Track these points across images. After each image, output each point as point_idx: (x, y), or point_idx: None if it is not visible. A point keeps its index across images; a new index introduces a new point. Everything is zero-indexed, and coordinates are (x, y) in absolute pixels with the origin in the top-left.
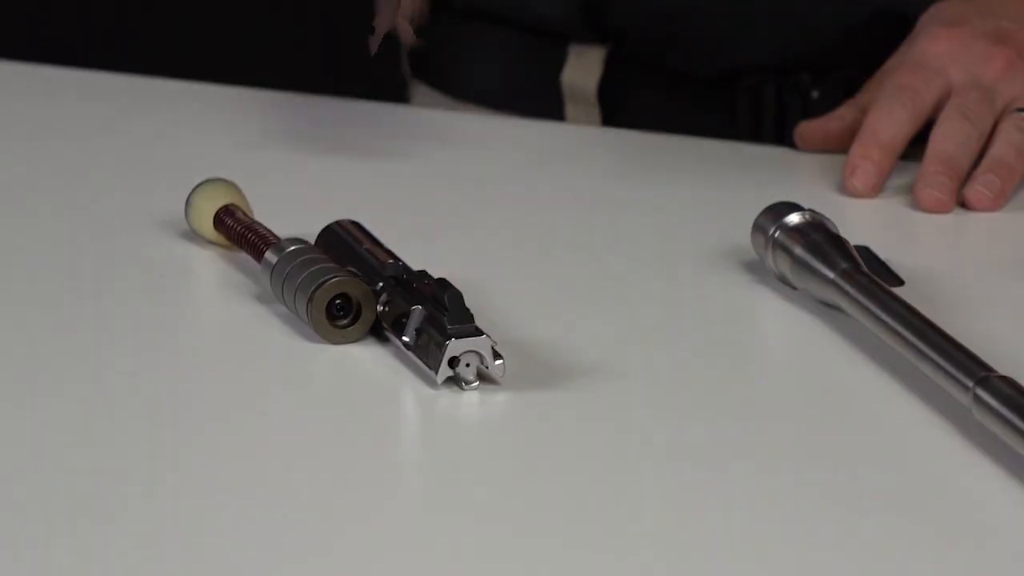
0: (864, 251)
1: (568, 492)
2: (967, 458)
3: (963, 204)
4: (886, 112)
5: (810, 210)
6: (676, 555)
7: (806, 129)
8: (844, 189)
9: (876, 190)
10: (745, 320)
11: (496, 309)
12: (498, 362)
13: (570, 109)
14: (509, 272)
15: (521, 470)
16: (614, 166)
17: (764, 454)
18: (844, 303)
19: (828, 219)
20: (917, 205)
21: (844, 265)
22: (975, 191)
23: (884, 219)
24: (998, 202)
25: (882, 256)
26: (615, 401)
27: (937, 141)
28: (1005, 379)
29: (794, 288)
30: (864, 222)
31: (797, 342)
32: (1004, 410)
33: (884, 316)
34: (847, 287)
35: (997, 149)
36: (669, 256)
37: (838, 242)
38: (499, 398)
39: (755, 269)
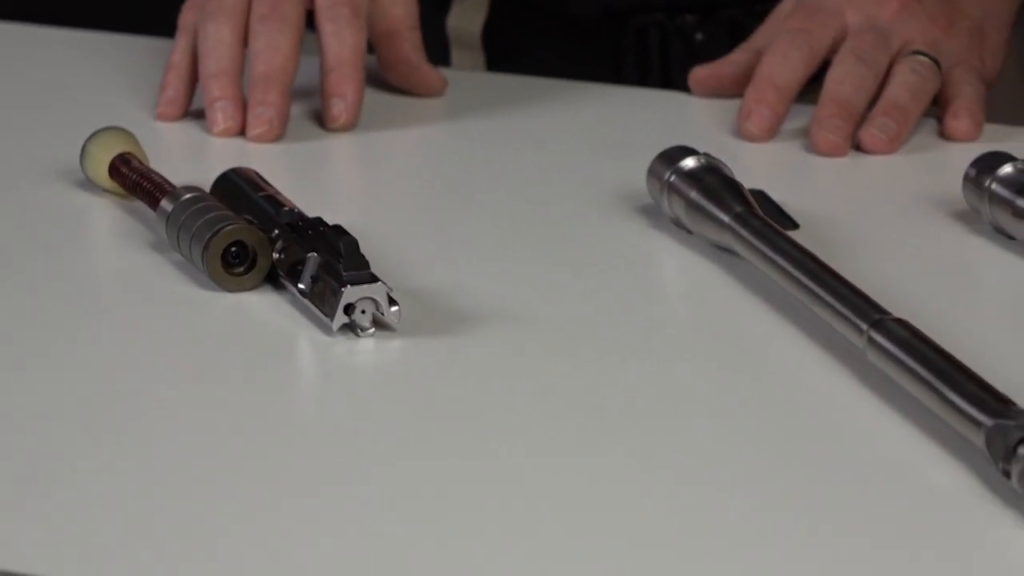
0: (759, 195)
1: (463, 438)
2: (861, 399)
3: (858, 147)
4: (781, 55)
5: (705, 154)
6: (570, 500)
7: (700, 74)
8: (739, 133)
9: (771, 134)
10: (641, 265)
11: (392, 256)
12: (393, 308)
13: (456, 54)
14: (404, 219)
15: (416, 416)
16: (503, 112)
17: (661, 398)
18: (739, 247)
19: (723, 163)
20: (812, 148)
21: (738, 209)
22: (870, 134)
23: (779, 162)
24: (893, 145)
25: (777, 199)
26: (510, 347)
27: (832, 84)
28: (899, 321)
29: (689, 232)
30: (759, 166)
31: (693, 286)
32: (898, 352)
33: (779, 259)
34: (742, 231)
35: (892, 91)
36: (564, 202)
37: (733, 186)
38: (394, 345)
39: (651, 214)
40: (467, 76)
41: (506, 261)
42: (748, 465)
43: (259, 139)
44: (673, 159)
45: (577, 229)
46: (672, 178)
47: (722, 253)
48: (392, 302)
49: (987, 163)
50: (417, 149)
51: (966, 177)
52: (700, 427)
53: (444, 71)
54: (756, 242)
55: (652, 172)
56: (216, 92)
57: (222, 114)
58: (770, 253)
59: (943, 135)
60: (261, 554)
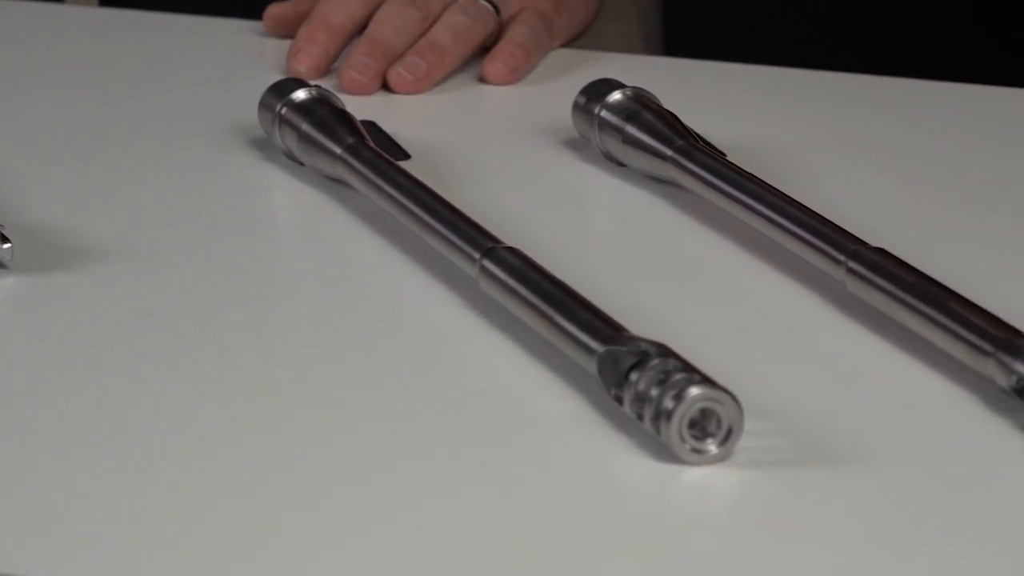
0: (370, 126)
1: (86, 373)
2: (474, 328)
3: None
4: None
5: (316, 86)
6: (190, 432)
7: (274, 11)
8: (288, 70)
9: (321, 72)
10: (253, 197)
11: (2, 192)
12: (6, 245)
13: None
14: (23, 154)
15: (34, 354)
16: (115, 48)
17: (274, 331)
18: (351, 178)
19: (334, 94)
20: (339, 86)
21: (350, 140)
22: (396, 73)
23: (391, 94)
24: (421, 85)
25: (389, 131)
26: (126, 284)
27: (373, 23)
28: (511, 250)
29: (302, 164)
30: (371, 98)
31: (305, 219)
32: (510, 280)
33: (390, 190)
34: (353, 162)
35: (434, 32)
36: (176, 136)
37: (344, 117)
38: (7, 282)
39: (262, 147)
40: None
41: (118, 196)
42: (361, 396)
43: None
44: (284, 91)
45: (189, 162)
46: (283, 110)
47: (335, 184)
48: (4, 239)
49: (596, 91)
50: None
51: (575, 105)
52: (310, 358)
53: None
54: (367, 173)
55: (264, 105)
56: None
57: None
58: (381, 184)
59: (479, 77)
60: None
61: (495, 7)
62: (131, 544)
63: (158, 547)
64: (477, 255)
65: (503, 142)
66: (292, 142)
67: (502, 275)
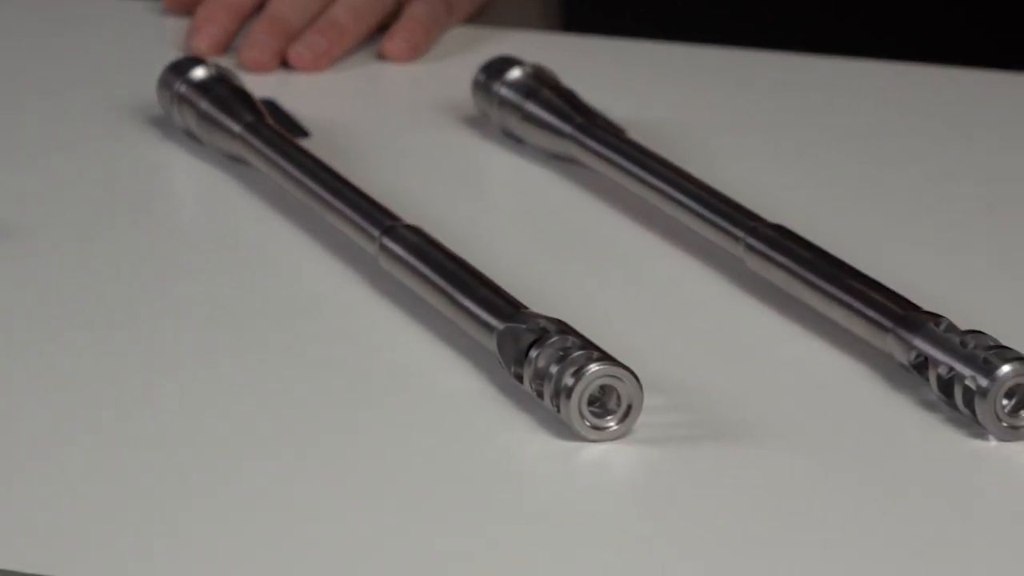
0: (270, 104)
1: None
2: (375, 306)
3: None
4: None
5: (215, 64)
6: (73, 410)
7: None
8: (187, 49)
9: (220, 50)
10: (153, 177)
11: None
12: None
13: None
14: None
15: None
16: (13, 27)
17: (169, 307)
18: (250, 156)
19: (233, 73)
20: (238, 64)
21: (249, 118)
22: (295, 51)
23: (289, 72)
24: (320, 63)
25: (288, 109)
26: (23, 263)
27: (272, 1)
28: (411, 228)
29: (201, 143)
30: (270, 76)
31: (205, 196)
32: (410, 258)
33: (290, 168)
34: (252, 140)
35: (333, 10)
36: (75, 116)
37: (243, 95)
38: None
39: (162, 125)
40: None
41: (14, 173)
42: (260, 374)
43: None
44: (183, 70)
45: (89, 141)
46: (182, 89)
47: (234, 163)
48: None
49: (495, 68)
50: None
51: (475, 83)
52: (209, 337)
53: None
54: (266, 151)
55: (163, 83)
56: None
57: None
58: (280, 162)
59: (378, 54)
60: None
61: None
62: None
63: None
64: (377, 233)
65: (402, 120)
66: (191, 121)
67: (402, 253)
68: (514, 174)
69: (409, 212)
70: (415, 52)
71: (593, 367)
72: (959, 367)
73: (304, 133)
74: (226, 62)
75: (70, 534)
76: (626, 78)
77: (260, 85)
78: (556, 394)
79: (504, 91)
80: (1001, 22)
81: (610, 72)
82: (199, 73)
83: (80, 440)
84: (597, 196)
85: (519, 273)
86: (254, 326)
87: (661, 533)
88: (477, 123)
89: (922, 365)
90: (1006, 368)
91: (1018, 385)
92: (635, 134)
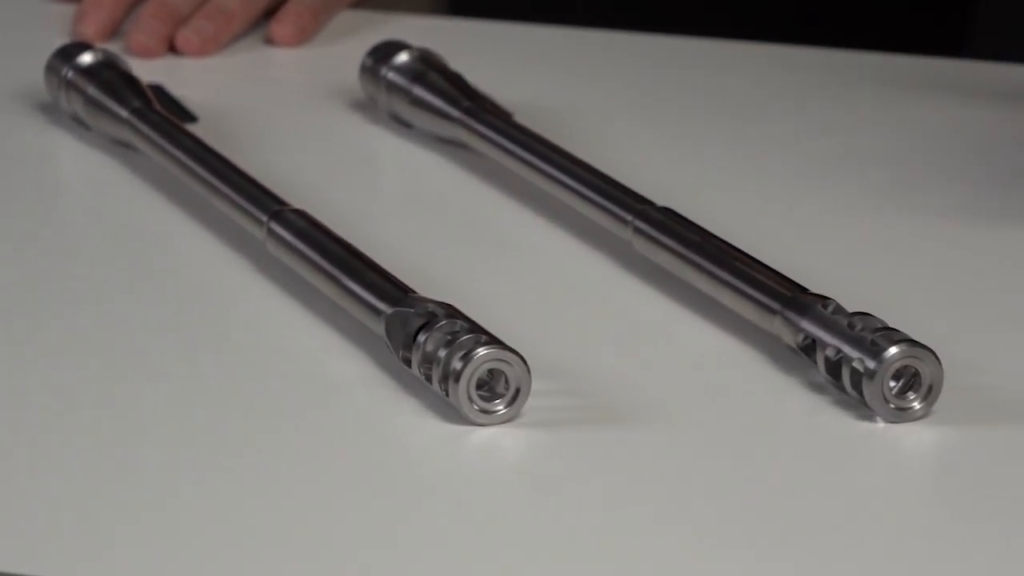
0: (157, 89)
1: None
2: (263, 292)
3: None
4: None
5: (103, 49)
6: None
7: None
8: (74, 35)
9: (107, 35)
10: (39, 162)
11: None
12: None
13: None
14: None
15: None
16: None
17: (62, 298)
18: (138, 141)
19: (121, 58)
20: (126, 49)
21: (136, 103)
22: (183, 36)
23: (177, 57)
24: (207, 48)
25: (176, 94)
26: None
27: None
28: (298, 212)
29: (89, 128)
30: (158, 61)
31: (94, 183)
32: (297, 242)
33: (177, 153)
34: (139, 125)
35: None
36: None
37: (130, 80)
38: None
39: (49, 111)
40: None
41: None
42: (148, 359)
43: None
44: (70, 55)
45: None
46: (69, 74)
47: (123, 148)
48: None
49: (383, 52)
50: None
51: (362, 67)
52: (97, 322)
53: None
54: (154, 136)
55: (50, 69)
56: None
57: None
58: (168, 147)
59: (266, 39)
60: None
61: None
62: None
63: None
64: (264, 218)
65: (291, 104)
66: (79, 106)
67: (289, 238)
68: (402, 158)
69: (297, 197)
70: (303, 36)
71: (481, 351)
72: (847, 349)
73: (192, 118)
74: (114, 47)
75: None
76: (513, 62)
77: (148, 70)
78: (444, 378)
79: (391, 75)
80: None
81: (497, 56)
82: (87, 59)
83: None
84: (485, 180)
85: (407, 257)
86: (141, 312)
87: (549, 516)
88: (365, 107)
89: (810, 347)
90: (893, 350)
91: (905, 367)
92: (523, 118)
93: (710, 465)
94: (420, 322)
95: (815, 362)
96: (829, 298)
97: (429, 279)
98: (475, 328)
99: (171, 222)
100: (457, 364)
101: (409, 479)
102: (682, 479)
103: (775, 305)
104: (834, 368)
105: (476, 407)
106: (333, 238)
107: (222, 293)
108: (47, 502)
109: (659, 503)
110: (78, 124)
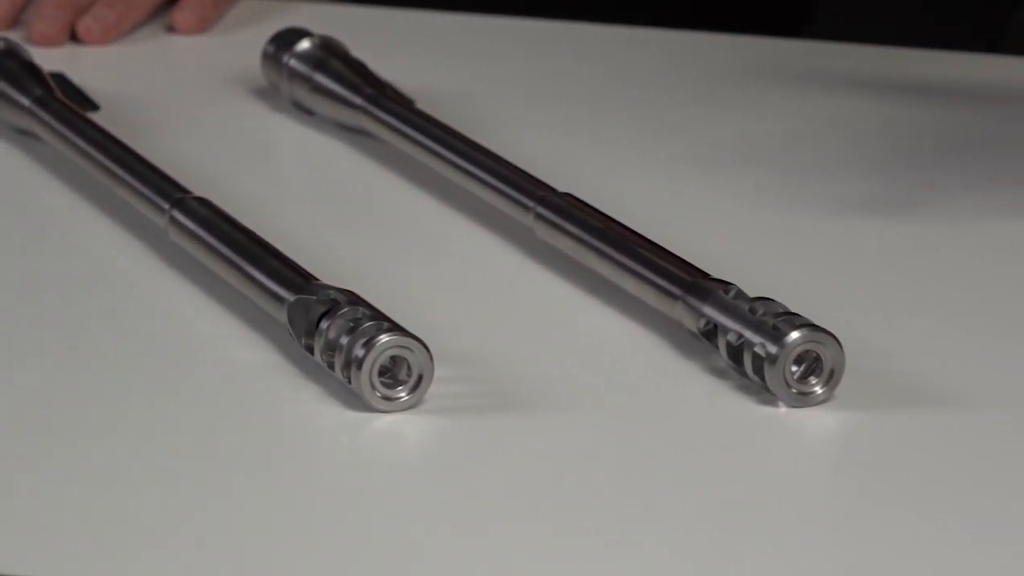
0: (59, 78)
1: None
2: (166, 279)
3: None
4: None
5: (3, 38)
6: None
7: None
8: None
9: (9, 23)
10: None
11: None
12: None
13: None
14: None
15: None
16: None
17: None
18: (39, 130)
19: (22, 46)
20: (27, 37)
21: (38, 92)
22: (84, 24)
23: (79, 45)
24: (109, 35)
25: (77, 82)
26: None
27: None
28: (201, 200)
29: None
30: (59, 49)
31: None
32: (199, 230)
33: (78, 141)
34: (41, 113)
35: None
36: None
37: (32, 69)
38: None
39: None
40: None
41: None
42: (48, 347)
43: None
44: None
45: None
46: None
47: (24, 137)
48: None
49: (285, 39)
50: None
51: (264, 54)
52: (12, 315)
53: None
54: (56, 125)
55: None
56: None
57: None
58: (70, 135)
59: (167, 26)
60: None
61: None
62: None
63: None
64: (166, 205)
65: (193, 92)
66: None
67: (191, 225)
68: (304, 145)
69: (199, 184)
70: (204, 24)
71: (383, 338)
72: (748, 334)
73: (94, 106)
74: (15, 36)
75: None
76: (415, 49)
77: (49, 59)
78: (347, 365)
79: (293, 62)
80: None
81: (399, 43)
82: None
83: None
84: (387, 167)
85: (310, 245)
86: (43, 301)
87: (452, 503)
88: (267, 95)
89: (711, 332)
90: (795, 335)
91: (807, 352)
92: (424, 105)
93: (612, 451)
94: (322, 309)
95: (717, 347)
96: (731, 283)
97: (331, 266)
98: (377, 315)
99: (73, 210)
100: (359, 351)
101: (311, 466)
102: (584, 465)
103: (676, 290)
104: (736, 353)
105: (378, 394)
106: (235, 225)
107: (124, 281)
108: None
109: (561, 488)
110: None
